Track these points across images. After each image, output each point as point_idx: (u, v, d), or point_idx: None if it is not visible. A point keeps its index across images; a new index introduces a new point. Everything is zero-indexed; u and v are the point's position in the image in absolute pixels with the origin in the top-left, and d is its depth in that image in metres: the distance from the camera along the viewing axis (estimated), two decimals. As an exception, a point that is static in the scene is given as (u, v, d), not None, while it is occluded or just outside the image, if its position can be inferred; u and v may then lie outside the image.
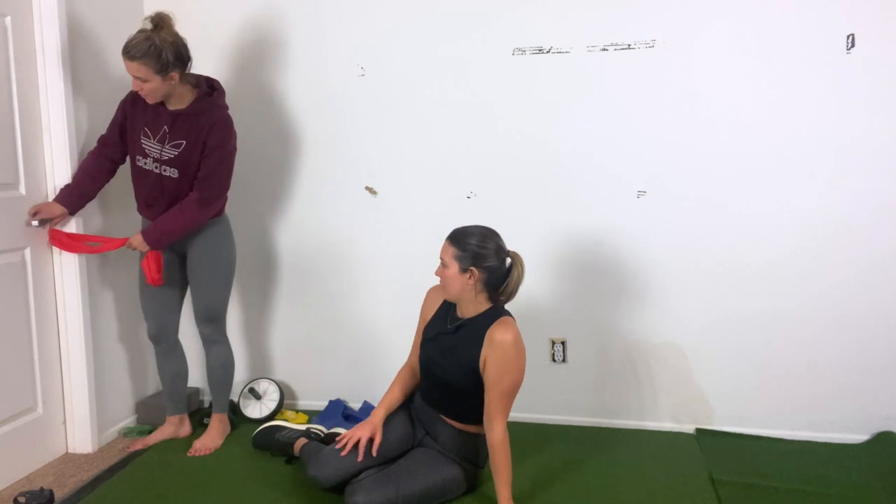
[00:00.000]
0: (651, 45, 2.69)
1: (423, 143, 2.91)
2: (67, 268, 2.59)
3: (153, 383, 3.09)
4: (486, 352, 2.09)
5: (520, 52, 2.79)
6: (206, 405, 3.13)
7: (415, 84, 2.88)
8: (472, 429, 2.24)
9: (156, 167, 2.44)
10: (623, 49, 2.71)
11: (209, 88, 2.48)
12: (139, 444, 2.69)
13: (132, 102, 2.47)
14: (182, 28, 2.35)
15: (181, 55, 2.32)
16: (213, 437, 2.71)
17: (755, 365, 2.75)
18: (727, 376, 2.78)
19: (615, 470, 2.47)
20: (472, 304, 2.17)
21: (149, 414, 2.94)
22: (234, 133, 2.52)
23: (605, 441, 2.73)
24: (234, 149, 2.52)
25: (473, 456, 2.26)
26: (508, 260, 2.15)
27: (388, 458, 2.25)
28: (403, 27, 2.86)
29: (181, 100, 2.42)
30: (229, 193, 2.58)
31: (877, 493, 2.27)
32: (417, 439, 2.31)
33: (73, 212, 2.51)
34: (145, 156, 2.45)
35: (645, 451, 2.62)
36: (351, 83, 2.93)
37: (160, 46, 2.24)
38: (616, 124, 2.74)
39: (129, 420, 2.93)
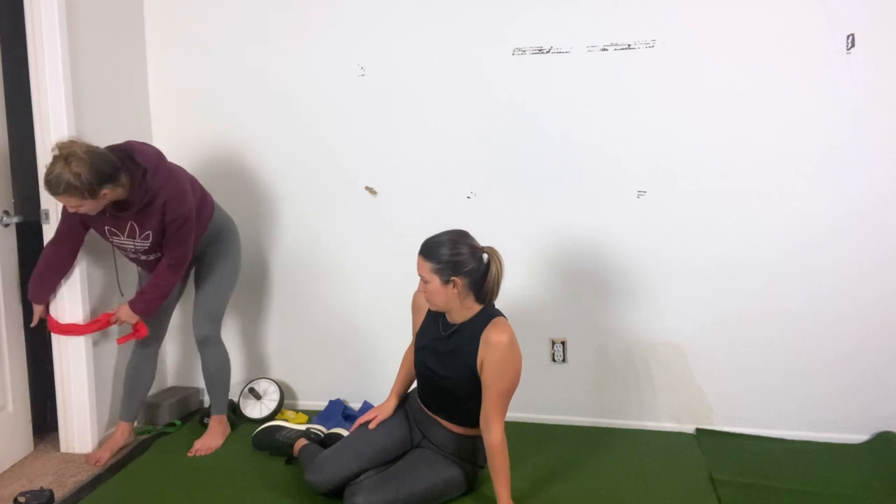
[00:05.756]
0: (651, 45, 2.69)
1: (422, 142, 2.91)
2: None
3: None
4: (482, 354, 2.08)
5: (520, 52, 2.79)
6: (207, 405, 3.13)
7: (415, 84, 2.88)
8: (470, 432, 2.24)
9: (136, 256, 2.49)
10: (623, 49, 2.71)
11: (140, 170, 2.29)
12: (94, 458, 2.55)
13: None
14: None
15: (102, 174, 2.16)
16: (214, 437, 2.71)
17: (755, 365, 2.75)
18: (727, 376, 2.78)
19: (615, 470, 2.47)
20: (462, 310, 2.15)
21: (149, 414, 2.94)
22: (185, 194, 2.39)
23: (605, 441, 2.73)
24: (190, 211, 2.41)
25: (472, 456, 2.26)
26: (485, 257, 2.11)
27: (386, 460, 2.25)
28: (403, 27, 2.86)
29: (127, 197, 2.30)
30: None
31: (877, 493, 2.27)
32: (415, 441, 2.31)
33: (48, 304, 2.60)
34: (123, 249, 2.49)
35: (645, 451, 2.62)
36: (351, 83, 2.94)
37: (74, 180, 2.12)
38: (616, 124, 2.74)
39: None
